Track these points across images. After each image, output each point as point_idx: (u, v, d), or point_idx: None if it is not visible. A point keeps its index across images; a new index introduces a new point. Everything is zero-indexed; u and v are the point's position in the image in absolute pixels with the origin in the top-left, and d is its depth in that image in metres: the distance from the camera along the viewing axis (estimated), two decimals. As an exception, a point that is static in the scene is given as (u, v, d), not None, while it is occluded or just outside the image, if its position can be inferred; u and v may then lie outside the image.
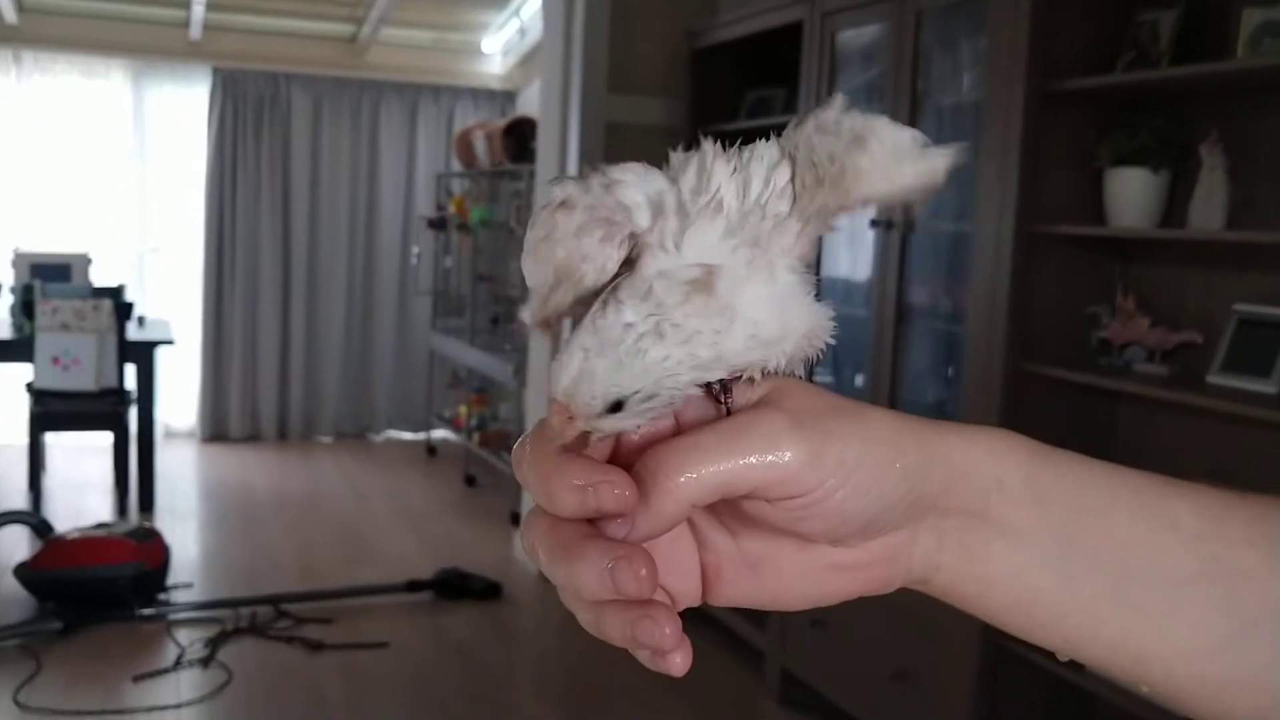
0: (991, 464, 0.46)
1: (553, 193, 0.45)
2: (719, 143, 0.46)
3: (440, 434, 7.44)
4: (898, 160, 0.45)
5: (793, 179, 0.45)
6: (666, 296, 0.42)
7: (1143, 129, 2.74)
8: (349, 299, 7.78)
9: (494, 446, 6.37)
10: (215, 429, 7.54)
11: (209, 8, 6.92)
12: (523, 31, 7.46)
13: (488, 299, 6.76)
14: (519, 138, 6.21)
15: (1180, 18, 2.70)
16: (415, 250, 7.63)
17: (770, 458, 0.42)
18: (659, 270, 0.43)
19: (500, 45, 7.85)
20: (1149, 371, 2.74)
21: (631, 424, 0.44)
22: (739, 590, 0.49)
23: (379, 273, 7.82)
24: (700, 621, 4.29)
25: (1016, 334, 2.83)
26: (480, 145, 6.56)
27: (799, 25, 3.72)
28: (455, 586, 4.63)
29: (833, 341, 0.46)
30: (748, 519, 0.46)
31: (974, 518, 0.45)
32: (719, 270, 0.43)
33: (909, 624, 3.14)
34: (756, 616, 3.90)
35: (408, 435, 7.84)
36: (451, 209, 6.95)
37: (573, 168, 4.71)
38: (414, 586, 4.61)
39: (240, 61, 7.39)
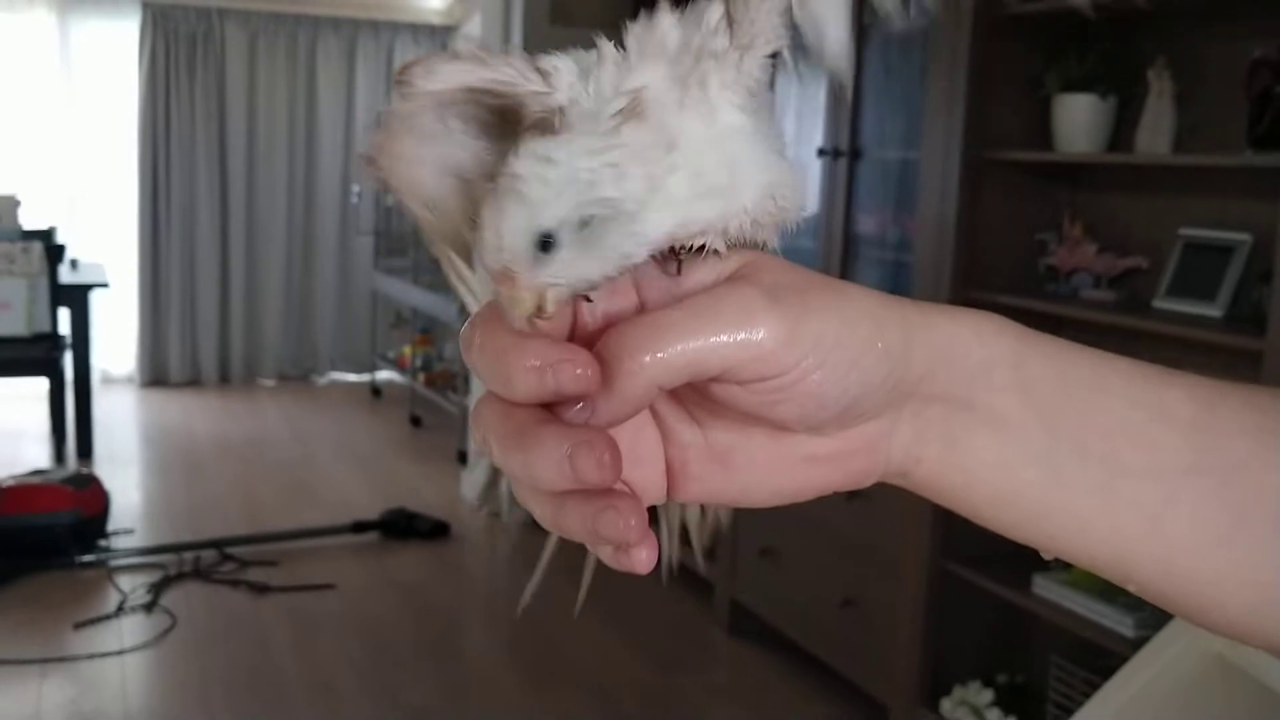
0: (978, 347, 0.43)
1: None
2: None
3: (385, 375, 7.36)
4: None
5: (727, 9, 0.41)
6: (590, 130, 0.39)
7: (1090, 55, 2.73)
8: (289, 240, 7.65)
9: (440, 386, 6.32)
10: (154, 374, 7.41)
11: (136, -60, 6.71)
12: (462, -36, 7.32)
13: (431, 238, 6.67)
14: (459, 73, 6.10)
15: (1127, -60, 2.67)
16: (356, 189, 7.50)
17: (743, 335, 0.39)
18: (579, 111, 0.39)
19: (439, -21, 7.69)
20: (1096, 297, 2.74)
21: (575, 269, 0.39)
22: (706, 485, 0.45)
23: (319, 213, 7.69)
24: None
25: (964, 262, 2.82)
26: (420, 81, 6.44)
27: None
28: (402, 527, 4.60)
29: (805, 209, 0.42)
30: (716, 406, 0.42)
31: (958, 405, 0.43)
32: (647, 94, 0.39)
33: (856, 553, 3.15)
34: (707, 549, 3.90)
35: (351, 377, 7.76)
36: (392, 146, 6.82)
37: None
38: (360, 528, 4.57)
39: (170, -4, 7.19)
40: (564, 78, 0.41)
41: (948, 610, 2.94)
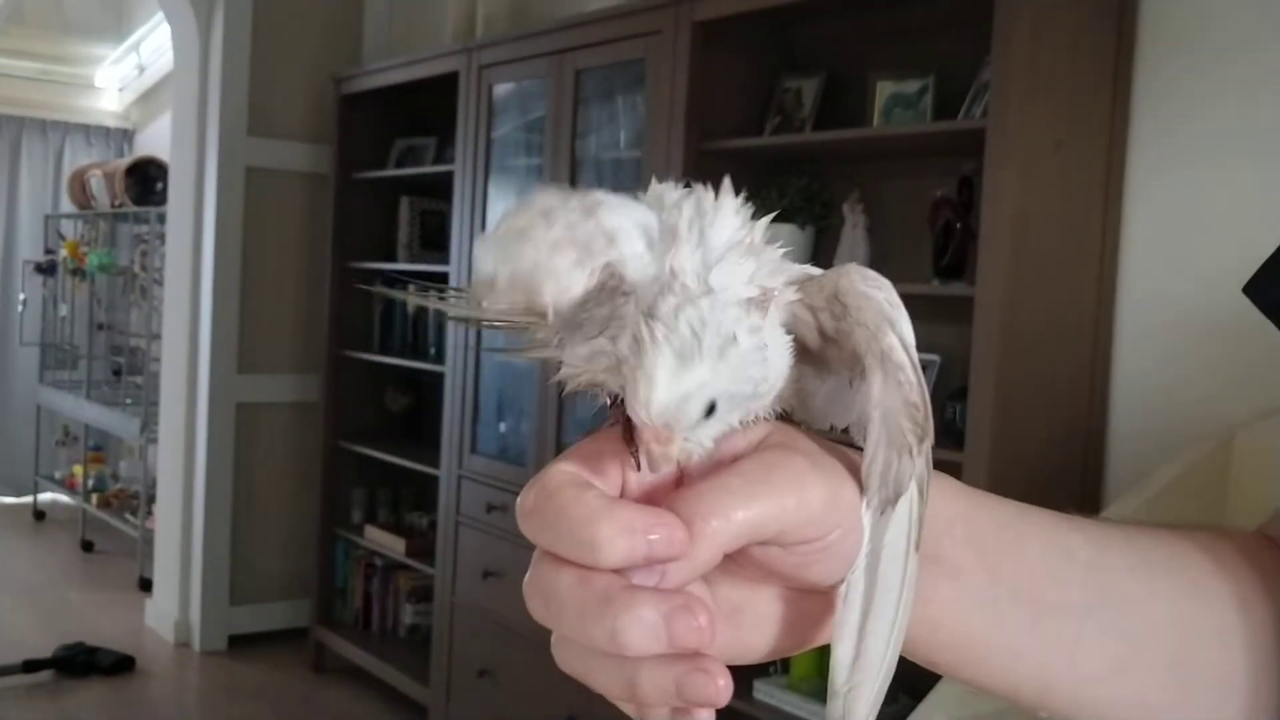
0: (944, 508, 0.47)
1: (534, 199, 0.43)
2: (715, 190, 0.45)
3: (49, 496, 6.83)
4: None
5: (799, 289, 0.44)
6: (721, 310, 0.40)
7: (791, 188, 2.93)
8: (-62, 351, 7.04)
9: (116, 508, 5.93)
10: None
11: None
12: (142, 68, 7.05)
13: (107, 349, 6.31)
14: (143, 178, 5.86)
15: (821, 85, 2.91)
16: (21, 297, 7.00)
17: (799, 499, 0.41)
18: (682, 300, 0.40)
19: (116, 80, 7.38)
20: (801, 414, 2.91)
21: (719, 429, 0.41)
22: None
23: (-26, 321, 7.13)
24: (353, 677, 4.16)
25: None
26: (98, 185, 6.14)
27: (453, 75, 3.73)
28: (80, 663, 4.26)
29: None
30: (729, 565, 0.43)
31: (928, 561, 0.45)
32: (772, 295, 0.42)
33: (579, 669, 3.16)
34: (419, 671, 3.82)
35: (9, 499, 7.15)
36: (64, 253, 6.43)
37: (210, 212, 4.50)
38: (31, 666, 4.20)
39: None
40: (629, 240, 0.42)
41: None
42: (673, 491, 0.42)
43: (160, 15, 5.37)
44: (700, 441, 0.41)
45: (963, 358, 2.46)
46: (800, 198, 2.92)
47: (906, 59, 2.75)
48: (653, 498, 0.42)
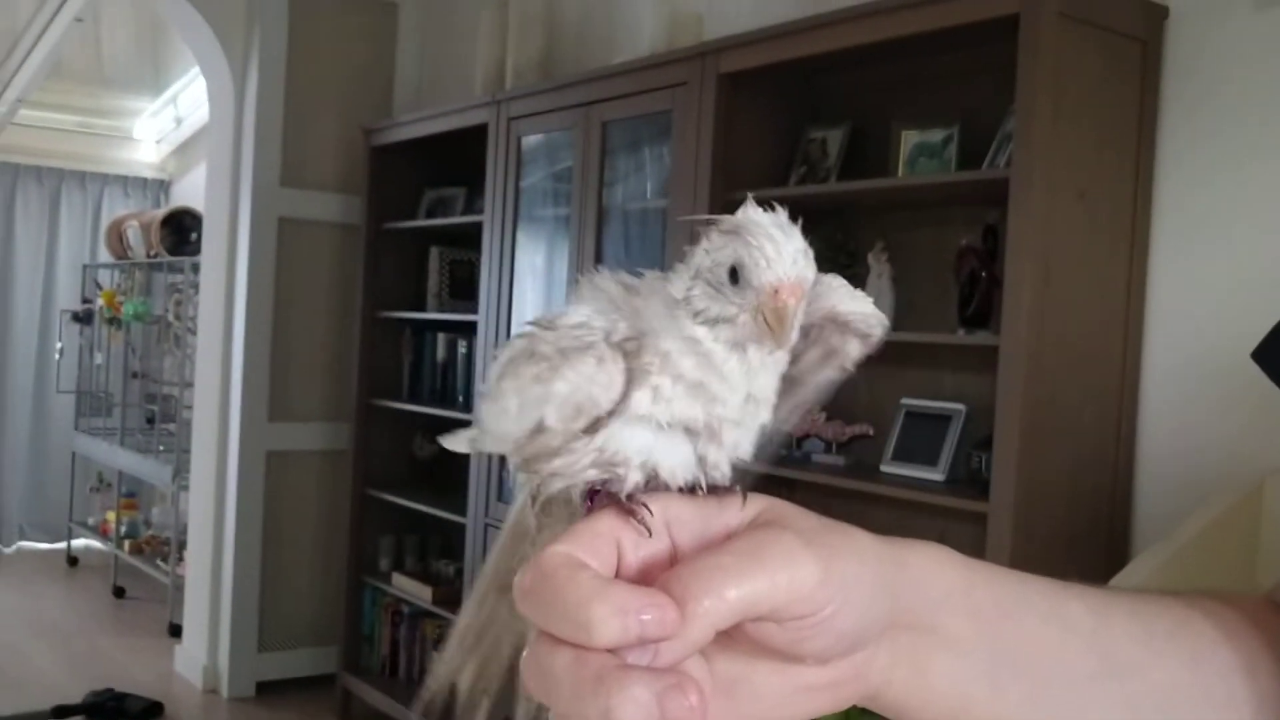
0: (939, 577, 0.48)
1: (514, 344, 0.47)
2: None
3: (83, 542, 6.88)
4: (859, 298, 0.52)
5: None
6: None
7: (815, 237, 2.94)
8: (-24, 398, 7.13)
9: (148, 554, 5.96)
10: None
11: None
12: (179, 120, 7.17)
13: (141, 397, 6.37)
14: (178, 229, 5.94)
15: (846, 135, 2.93)
16: (59, 345, 7.09)
17: (790, 577, 0.42)
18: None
19: (154, 132, 7.50)
20: (827, 462, 2.91)
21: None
22: (710, 716, 0.46)
23: (12, 369, 7.21)
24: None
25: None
26: (134, 235, 6.22)
27: (483, 127, 3.77)
28: (110, 709, 4.28)
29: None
30: (725, 639, 0.43)
31: (924, 630, 0.46)
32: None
33: None
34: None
35: (44, 545, 7.21)
36: (101, 302, 6.52)
37: (243, 261, 4.55)
38: (61, 713, 4.22)
39: None
40: (599, 320, 0.47)
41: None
42: (667, 571, 0.43)
43: (197, 69, 5.47)
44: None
45: (988, 407, 2.45)
46: (825, 247, 2.93)
47: (931, 108, 2.77)
48: (647, 578, 0.43)
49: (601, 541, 0.43)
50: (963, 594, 0.48)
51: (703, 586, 0.41)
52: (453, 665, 0.53)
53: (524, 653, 0.43)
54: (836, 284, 0.51)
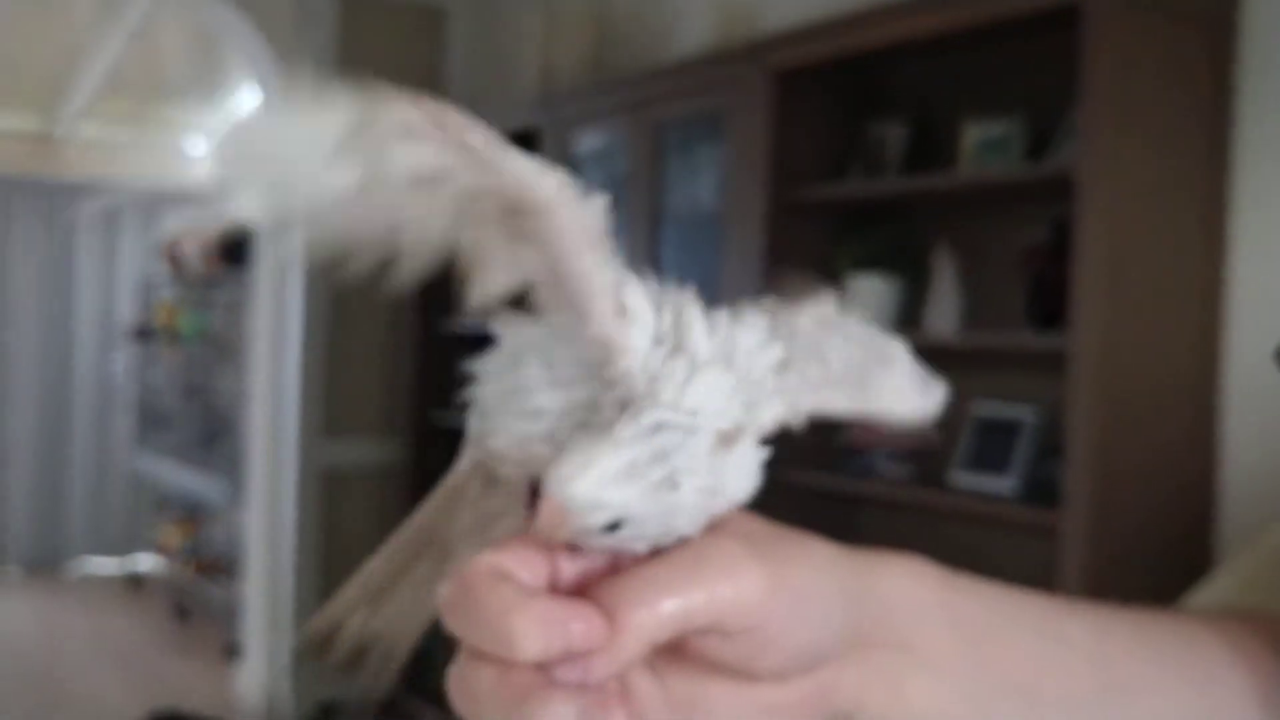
0: (913, 592, 0.45)
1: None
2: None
3: (145, 561, 6.91)
4: (914, 387, 0.48)
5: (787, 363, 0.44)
6: (692, 445, 0.40)
7: (877, 237, 2.84)
8: (40, 414, 7.19)
9: (210, 574, 5.96)
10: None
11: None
12: (234, 135, 7.21)
13: (200, 414, 6.39)
14: (235, 244, 5.94)
15: (907, 130, 2.82)
16: (119, 362, 7.14)
17: (732, 587, 0.39)
18: (660, 420, 0.40)
19: (209, 146, 7.55)
20: (893, 473, 2.80)
21: (610, 545, 0.40)
22: None
23: (75, 387, 7.28)
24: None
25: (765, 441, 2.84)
26: (192, 251, 6.25)
27: (533, 131, 3.71)
28: (171, 730, 4.26)
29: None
30: (677, 656, 0.41)
31: (899, 648, 0.44)
32: (746, 431, 0.41)
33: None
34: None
35: (108, 564, 7.26)
36: (159, 319, 6.55)
37: (296, 275, 4.53)
38: (123, 732, 4.21)
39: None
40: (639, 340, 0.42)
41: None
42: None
43: (249, 81, 5.48)
44: (596, 547, 0.40)
45: (1059, 413, 2.33)
46: (887, 246, 2.82)
47: (995, 100, 2.65)
48: (585, 591, 0.41)
49: (532, 552, 0.41)
50: (941, 609, 0.45)
51: (635, 597, 0.39)
52: (346, 605, 0.51)
53: (450, 670, 0.41)
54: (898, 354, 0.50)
